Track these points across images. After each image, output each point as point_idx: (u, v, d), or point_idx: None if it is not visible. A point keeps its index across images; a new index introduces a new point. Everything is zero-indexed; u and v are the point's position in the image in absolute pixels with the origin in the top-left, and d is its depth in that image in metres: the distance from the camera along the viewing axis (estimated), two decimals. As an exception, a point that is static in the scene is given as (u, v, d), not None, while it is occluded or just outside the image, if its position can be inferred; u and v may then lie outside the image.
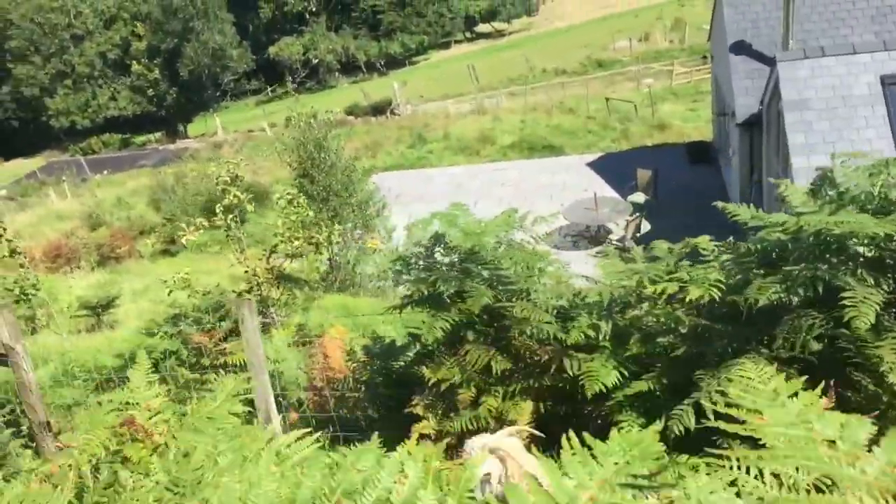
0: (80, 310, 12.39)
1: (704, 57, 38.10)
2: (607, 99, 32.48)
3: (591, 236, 21.19)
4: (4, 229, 11.48)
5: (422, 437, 4.62)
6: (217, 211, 8.96)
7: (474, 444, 3.42)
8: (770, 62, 18.76)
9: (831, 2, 18.69)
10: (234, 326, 8.55)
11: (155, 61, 61.03)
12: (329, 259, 16.67)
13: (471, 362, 4.50)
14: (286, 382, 6.72)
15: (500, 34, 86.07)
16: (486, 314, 4.61)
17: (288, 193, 9.01)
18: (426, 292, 4.50)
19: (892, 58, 14.42)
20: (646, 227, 20.15)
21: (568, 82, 43.83)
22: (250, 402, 7.26)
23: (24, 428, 6.55)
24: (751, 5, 19.55)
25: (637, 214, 19.91)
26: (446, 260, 4.88)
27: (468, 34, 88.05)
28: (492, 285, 4.51)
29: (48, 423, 6.92)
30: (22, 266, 11.79)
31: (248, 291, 8.99)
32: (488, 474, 3.04)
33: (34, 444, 6.55)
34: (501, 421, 4.52)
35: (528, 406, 4.45)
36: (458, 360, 4.65)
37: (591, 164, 26.15)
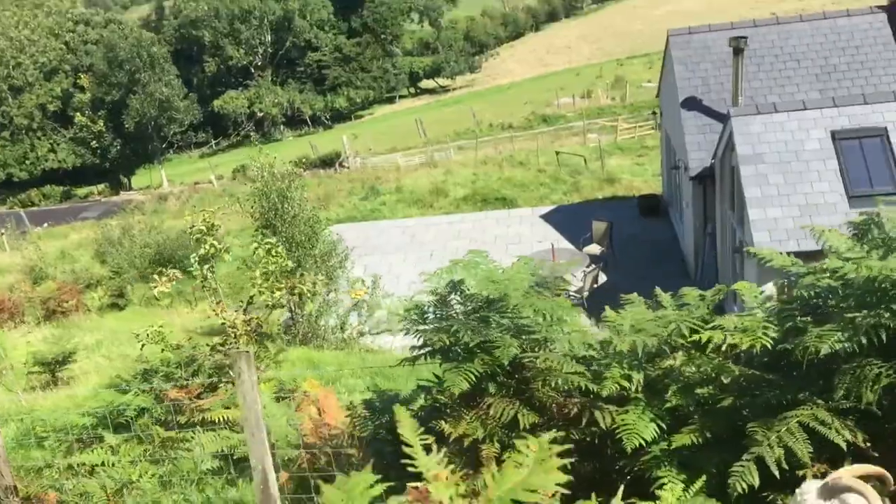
0: (34, 366, 11.82)
1: (654, 112, 39.14)
2: (557, 153, 33.02)
3: (547, 287, 21.23)
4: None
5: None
6: (192, 260, 8.69)
7: (809, 488, 3.10)
8: (721, 117, 19.33)
9: (777, 61, 19.42)
10: (209, 382, 8.24)
11: (99, 113, 60.12)
12: (291, 311, 16.38)
13: (494, 416, 4.36)
14: (276, 439, 6.44)
15: (444, 90, 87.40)
16: (509, 365, 4.49)
17: (267, 243, 8.80)
18: (447, 342, 4.36)
19: (841, 114, 14.99)
20: (602, 278, 20.33)
21: (515, 136, 44.54)
22: (223, 458, 6.96)
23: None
24: (700, 63, 20.18)
25: (594, 266, 20.06)
26: (461, 309, 4.77)
27: (412, 89, 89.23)
28: (514, 335, 4.40)
29: (15, 487, 6.51)
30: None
31: (223, 345, 8.69)
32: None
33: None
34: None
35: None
36: (478, 413, 4.50)
37: (545, 217, 26.40)
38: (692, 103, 19.98)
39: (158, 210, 39.37)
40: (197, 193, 44.41)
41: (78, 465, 6.56)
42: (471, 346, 4.30)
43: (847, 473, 3.03)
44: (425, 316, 4.72)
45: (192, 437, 7.21)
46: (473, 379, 4.26)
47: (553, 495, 4.34)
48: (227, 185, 46.82)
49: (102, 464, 6.63)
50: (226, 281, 27.02)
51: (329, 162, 47.68)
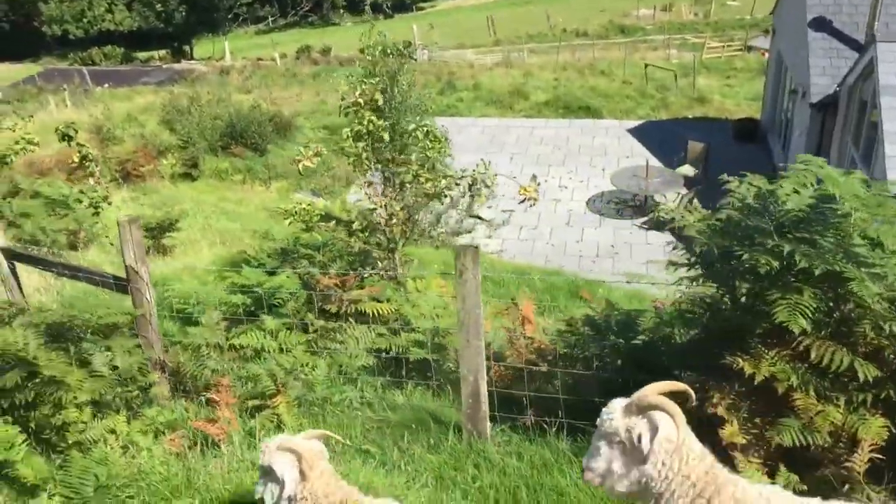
0: (136, 231, 11.27)
1: (767, 31, 36.88)
2: (646, 65, 31.42)
3: (636, 206, 20.33)
4: (76, 138, 10.39)
5: (725, 446, 3.76)
6: (345, 136, 7.91)
7: (614, 406, 3.08)
8: (852, 42, 17.86)
9: (920, -14, 17.77)
10: (349, 273, 7.59)
11: (168, -25, 58.41)
12: (405, 206, 15.62)
13: (814, 361, 3.62)
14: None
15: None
16: (832, 300, 3.72)
17: (424, 126, 7.95)
18: (774, 266, 3.59)
19: None
20: (695, 202, 19.31)
21: (589, 45, 42.61)
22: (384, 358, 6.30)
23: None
24: (833, -19, 18.57)
25: (694, 188, 19.07)
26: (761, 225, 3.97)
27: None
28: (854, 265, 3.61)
29: (164, 362, 5.97)
30: (92, 175, 10.69)
31: (363, 231, 7.99)
32: None
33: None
34: (839, 438, 3.67)
35: (876, 423, 3.58)
36: (782, 354, 3.77)
37: (633, 131, 25.22)
38: (821, 24, 18.43)
39: (221, 83, 38.37)
40: (260, 70, 43.31)
41: (239, 346, 5.99)
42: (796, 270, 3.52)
43: (652, 390, 3.00)
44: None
45: (347, 329, 6.61)
46: (810, 312, 3.51)
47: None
48: (291, 64, 45.64)
49: (262, 349, 6.06)
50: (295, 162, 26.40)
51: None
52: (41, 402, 4.60)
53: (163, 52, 56.76)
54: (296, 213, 7.44)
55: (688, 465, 2.93)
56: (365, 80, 12.78)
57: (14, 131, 12.74)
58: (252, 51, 53.90)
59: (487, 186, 7.15)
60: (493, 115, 27.65)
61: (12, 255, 7.00)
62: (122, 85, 41.29)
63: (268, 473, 3.64)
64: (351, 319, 6.76)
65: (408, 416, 5.23)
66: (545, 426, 4.81)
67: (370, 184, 8.12)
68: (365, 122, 7.98)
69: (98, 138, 27.02)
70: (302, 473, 3.57)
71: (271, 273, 7.18)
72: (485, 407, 4.87)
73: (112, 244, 11.20)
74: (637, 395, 3.02)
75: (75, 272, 6.35)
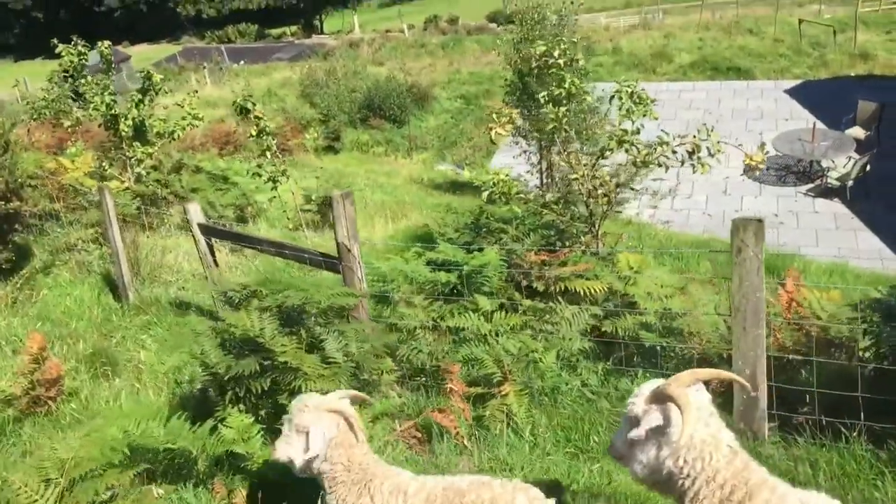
0: (305, 204, 11.16)
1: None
2: (800, 20, 29.35)
3: (801, 171, 18.90)
4: (258, 116, 10.32)
5: None
6: (542, 100, 7.35)
7: (644, 390, 2.98)
8: None
9: None
10: (547, 249, 7.06)
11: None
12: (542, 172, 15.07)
13: None
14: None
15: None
16: None
17: (628, 85, 7.27)
18: None
19: None
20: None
21: (729, 2, 40.27)
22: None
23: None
24: None
25: (869, 152, 17.51)
26: None
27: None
28: None
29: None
30: (268, 149, 10.58)
31: (556, 203, 7.44)
32: None
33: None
34: None
35: None
36: None
37: (791, 92, 23.55)
38: None
39: (352, 56, 38.48)
40: (388, 42, 43.25)
41: (453, 328, 5.57)
42: None
43: (685, 378, 2.88)
44: None
45: (556, 310, 6.10)
46: None
47: None
48: (419, 35, 45.39)
49: (467, 328, 5.62)
50: (434, 133, 26.11)
51: (525, 17, 45.07)
52: (277, 391, 4.30)
53: (294, 28, 57.68)
54: (494, 184, 6.96)
55: (712, 464, 2.79)
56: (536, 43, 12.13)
57: (183, 106, 12.87)
58: (379, 23, 54.00)
59: (711, 155, 6.41)
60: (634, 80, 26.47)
61: (209, 231, 6.84)
62: (257, 61, 42.12)
63: (299, 432, 3.38)
64: (560, 299, 6.25)
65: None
66: (840, 428, 4.14)
67: (564, 151, 7.50)
68: (566, 85, 7.36)
69: (239, 113, 27.55)
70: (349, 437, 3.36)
71: (469, 249, 6.73)
72: (763, 405, 4.26)
73: (289, 218, 11.08)
74: (666, 382, 2.91)
75: (280, 249, 6.09)
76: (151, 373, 5.87)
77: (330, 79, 28.96)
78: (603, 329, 5.87)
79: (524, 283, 6.53)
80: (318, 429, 3.35)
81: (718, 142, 6.33)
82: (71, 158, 11.70)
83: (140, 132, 12.70)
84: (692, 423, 2.78)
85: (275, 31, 58.35)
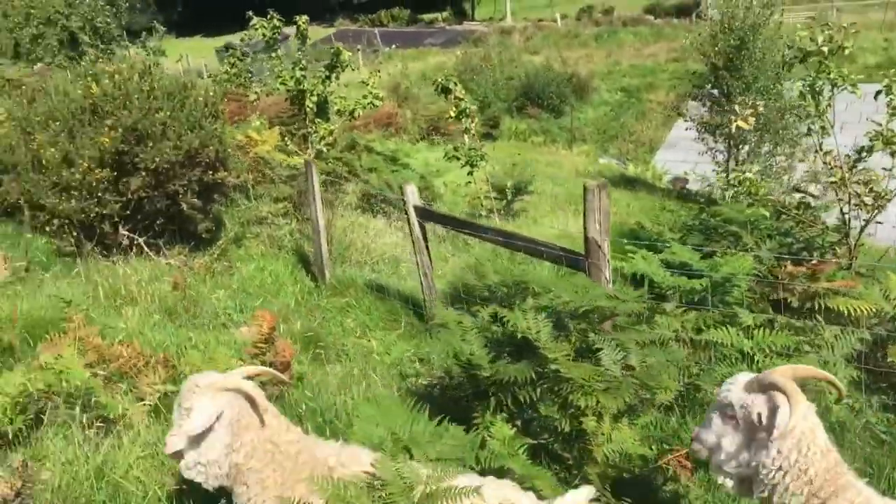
0: (489, 190, 10.75)
1: None
2: None
3: None
4: (459, 97, 10.00)
5: None
6: (797, 89, 6.59)
7: (738, 379, 2.98)
8: None
9: None
10: (792, 259, 6.29)
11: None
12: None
13: None
14: None
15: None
16: None
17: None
18: None
19: None
20: None
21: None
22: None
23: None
24: None
25: None
26: None
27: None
28: None
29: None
30: (466, 131, 10.24)
31: (799, 208, 6.66)
32: None
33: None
34: None
35: None
36: None
37: None
38: None
39: (503, 44, 37.93)
40: (541, 31, 42.49)
41: (711, 342, 4.95)
42: None
43: (784, 371, 2.88)
44: None
45: (817, 330, 5.37)
46: None
47: None
48: (572, 25, 44.40)
49: (730, 345, 4.98)
50: (593, 125, 25.30)
51: (685, 10, 43.45)
52: (547, 403, 3.82)
53: (445, 14, 57.72)
54: (739, 182, 6.27)
55: (807, 457, 2.76)
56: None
57: (367, 84, 12.72)
58: (530, 12, 53.23)
59: None
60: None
61: (426, 215, 6.46)
62: (409, 46, 42.25)
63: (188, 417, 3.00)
64: (818, 318, 5.51)
65: None
66: None
67: (820, 150, 6.66)
68: (832, 75, 6.57)
69: (396, 96, 27.54)
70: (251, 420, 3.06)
71: (704, 254, 6.07)
72: None
73: (481, 204, 10.64)
74: (766, 372, 2.89)
75: (510, 240, 5.61)
76: (373, 362, 5.53)
77: (485, 65, 28.54)
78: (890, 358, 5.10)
79: (773, 296, 5.84)
80: (204, 406, 3.01)
81: None
82: (256, 131, 11.70)
83: (322, 109, 12.62)
84: (799, 413, 2.72)
85: (426, 17, 58.53)
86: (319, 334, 6.18)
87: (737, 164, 13.65)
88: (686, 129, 15.70)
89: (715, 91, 13.68)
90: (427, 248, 6.61)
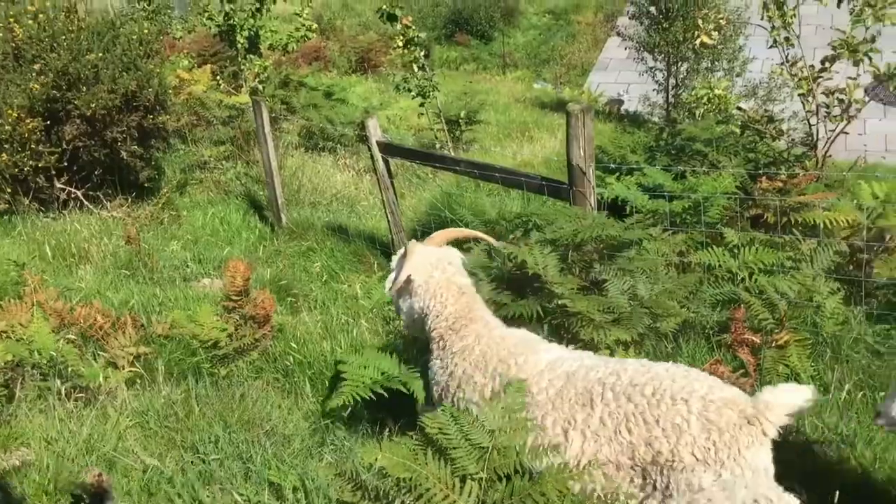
0: (437, 121, 10.40)
1: None
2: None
3: (929, 93, 17.50)
4: (407, 25, 9.61)
5: None
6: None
7: None
8: None
9: None
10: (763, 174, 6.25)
11: None
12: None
13: None
14: None
15: None
16: None
17: None
18: None
19: None
20: None
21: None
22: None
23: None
24: None
25: None
26: None
27: None
28: None
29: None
30: (415, 62, 9.87)
31: (770, 120, 6.58)
32: None
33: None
34: None
35: None
36: None
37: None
38: None
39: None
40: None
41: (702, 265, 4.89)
42: None
43: (439, 237, 3.42)
44: None
45: (795, 245, 5.36)
46: None
47: None
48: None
49: (719, 266, 4.93)
50: (523, 51, 24.93)
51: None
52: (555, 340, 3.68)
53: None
54: (708, 100, 6.15)
55: (441, 301, 3.23)
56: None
57: (300, 16, 12.17)
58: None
59: None
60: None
61: (390, 150, 6.18)
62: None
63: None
64: (796, 232, 5.50)
65: None
66: None
67: (787, 62, 6.56)
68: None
69: (319, 28, 26.61)
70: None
71: (676, 175, 5.97)
72: None
73: (435, 137, 10.30)
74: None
75: (486, 172, 5.39)
76: (355, 307, 5.30)
77: (409, -9, 27.74)
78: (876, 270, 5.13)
79: (748, 214, 5.80)
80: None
81: None
82: (187, 71, 11.07)
83: (253, 44, 12.03)
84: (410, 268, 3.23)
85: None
86: (290, 282, 5.91)
87: (677, 83, 13.62)
88: (624, 48, 15.52)
89: (652, 8, 13.51)
90: (392, 184, 6.35)
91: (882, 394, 3.99)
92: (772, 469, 2.68)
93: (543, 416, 2.74)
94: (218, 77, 11.53)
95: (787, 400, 2.68)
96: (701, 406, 2.65)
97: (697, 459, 2.62)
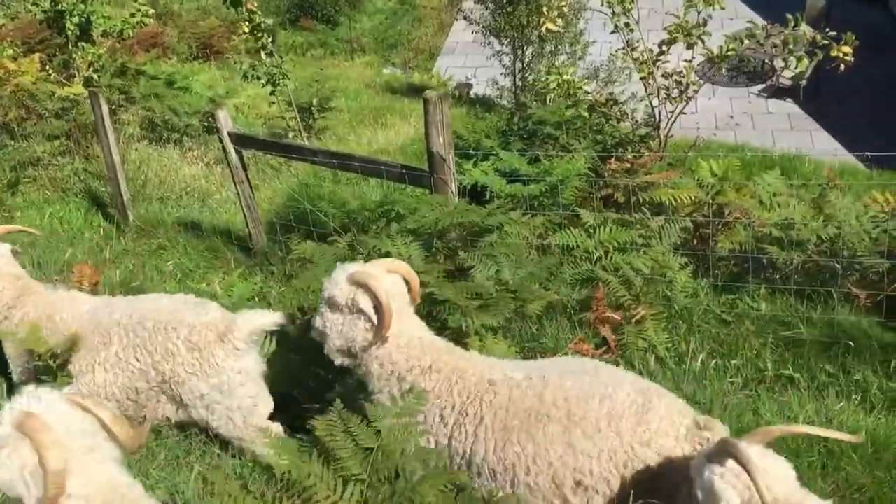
0: (288, 110, 10.13)
1: None
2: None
3: (752, 71, 18.79)
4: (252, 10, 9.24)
5: None
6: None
7: None
8: None
9: None
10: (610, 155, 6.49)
11: None
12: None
13: None
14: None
15: None
16: None
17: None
18: None
19: None
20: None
21: None
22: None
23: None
24: None
25: (819, 51, 17.44)
26: None
27: None
28: None
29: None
30: (263, 49, 9.54)
31: (614, 103, 6.81)
32: None
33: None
34: None
35: None
36: None
37: (734, -10, 23.25)
38: None
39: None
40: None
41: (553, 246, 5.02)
42: None
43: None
44: None
45: (644, 223, 5.60)
46: None
47: None
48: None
49: (577, 246, 5.08)
50: (371, 35, 24.77)
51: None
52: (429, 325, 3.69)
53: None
54: (558, 85, 6.30)
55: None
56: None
57: (136, 0, 11.56)
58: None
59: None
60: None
61: (243, 142, 5.96)
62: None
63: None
64: (645, 210, 5.75)
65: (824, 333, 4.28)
66: None
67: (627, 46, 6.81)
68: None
69: (156, 13, 25.39)
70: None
71: (531, 159, 6.10)
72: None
73: (287, 125, 10.01)
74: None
75: (345, 161, 5.30)
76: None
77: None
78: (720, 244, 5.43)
79: (600, 194, 6.01)
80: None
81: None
82: (11, 60, 10.27)
83: (85, 31, 11.31)
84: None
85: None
86: (143, 283, 5.61)
87: (524, 67, 13.91)
88: (470, 31, 15.69)
89: (497, -8, 13.73)
90: (248, 177, 6.15)
91: (734, 361, 4.24)
92: (257, 369, 3.63)
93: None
94: (47, 67, 10.78)
95: (254, 321, 3.56)
96: (187, 332, 3.53)
97: (190, 373, 3.50)
